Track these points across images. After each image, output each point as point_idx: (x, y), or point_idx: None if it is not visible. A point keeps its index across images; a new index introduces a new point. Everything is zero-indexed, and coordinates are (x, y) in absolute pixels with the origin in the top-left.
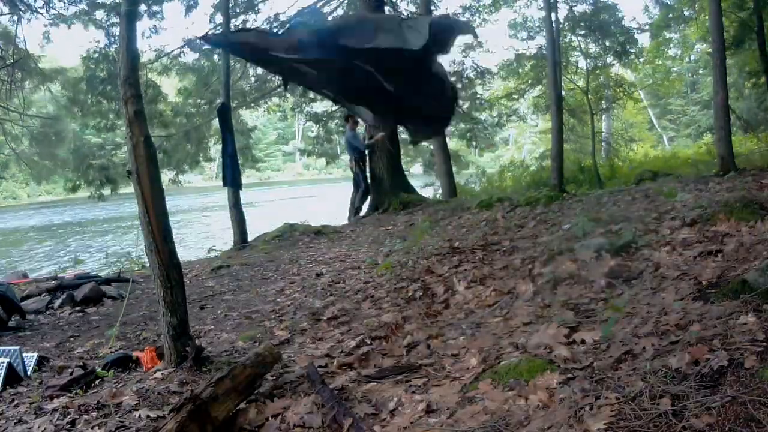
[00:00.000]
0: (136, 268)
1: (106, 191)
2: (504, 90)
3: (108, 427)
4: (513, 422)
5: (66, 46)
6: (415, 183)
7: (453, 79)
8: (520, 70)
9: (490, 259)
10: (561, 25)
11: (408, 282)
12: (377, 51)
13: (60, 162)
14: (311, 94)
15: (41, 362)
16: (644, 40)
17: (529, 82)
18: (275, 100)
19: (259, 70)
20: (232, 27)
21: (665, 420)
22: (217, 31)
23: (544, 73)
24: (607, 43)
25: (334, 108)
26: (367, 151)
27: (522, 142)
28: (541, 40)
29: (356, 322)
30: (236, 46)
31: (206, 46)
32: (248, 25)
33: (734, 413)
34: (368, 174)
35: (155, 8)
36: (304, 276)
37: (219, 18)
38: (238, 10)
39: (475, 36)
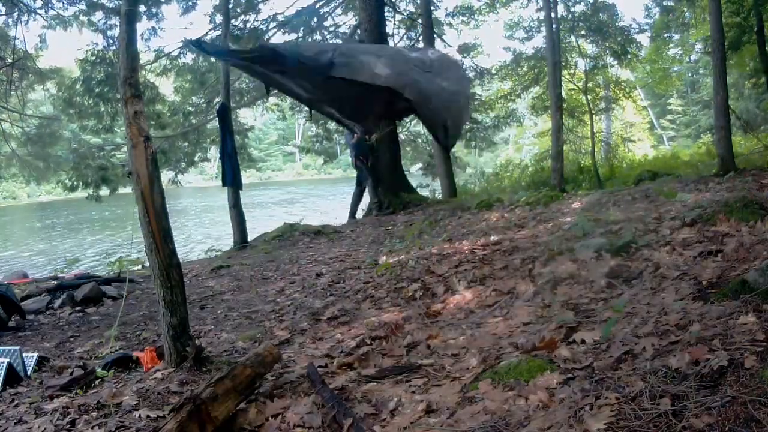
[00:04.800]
0: (136, 268)
1: (104, 192)
2: (499, 92)
3: (108, 427)
4: (513, 422)
5: (61, 47)
6: (415, 183)
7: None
8: (519, 71)
9: (490, 259)
10: (560, 25)
11: (408, 282)
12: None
13: (53, 163)
14: None
15: (41, 362)
16: (644, 39)
17: (526, 84)
18: (273, 99)
19: None
20: (232, 28)
21: (665, 420)
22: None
23: (542, 74)
24: (606, 44)
25: None
26: (368, 148)
27: (522, 142)
28: (537, 41)
29: (356, 322)
30: (224, 55)
31: (197, 50)
32: (248, 26)
33: (734, 413)
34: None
35: (154, 9)
36: (304, 276)
37: (219, 18)
38: (238, 10)
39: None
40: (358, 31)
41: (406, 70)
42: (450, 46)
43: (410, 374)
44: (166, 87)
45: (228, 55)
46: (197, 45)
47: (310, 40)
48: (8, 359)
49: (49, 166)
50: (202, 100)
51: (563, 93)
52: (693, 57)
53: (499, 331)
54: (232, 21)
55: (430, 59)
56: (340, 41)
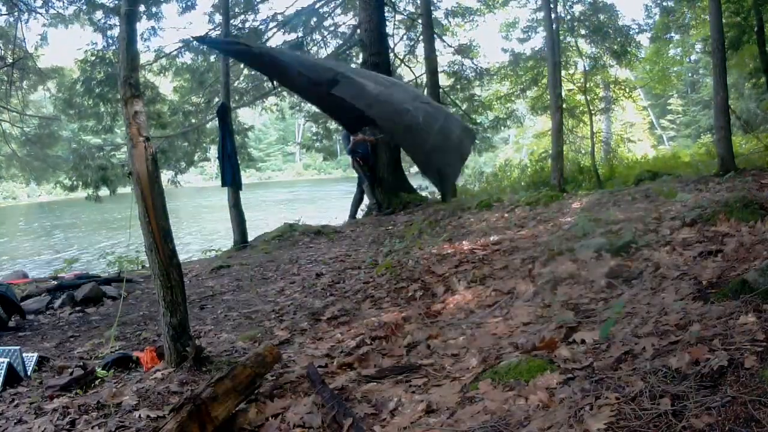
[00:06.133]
0: (136, 268)
1: (104, 192)
2: (497, 93)
3: (108, 427)
4: (513, 422)
5: (62, 46)
6: (415, 183)
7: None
8: (518, 71)
9: (490, 259)
10: (559, 26)
11: (408, 282)
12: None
13: (52, 163)
14: None
15: (41, 362)
16: (644, 39)
17: (524, 85)
18: (272, 99)
19: (256, 71)
20: (231, 27)
21: (665, 420)
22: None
23: (541, 75)
24: (606, 44)
25: None
26: (369, 149)
27: (522, 142)
28: (536, 41)
29: (356, 322)
30: (232, 52)
31: (202, 46)
32: (247, 25)
33: (734, 413)
34: (368, 170)
35: (154, 9)
36: (304, 276)
37: (218, 18)
38: (237, 10)
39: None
40: (358, 30)
41: (403, 110)
42: (450, 46)
43: (410, 374)
44: (166, 86)
45: (228, 49)
46: (201, 40)
47: (309, 39)
48: (8, 359)
49: (48, 166)
50: (202, 100)
51: (563, 93)
52: (693, 57)
53: (499, 331)
54: (232, 21)
55: (435, 104)
56: (340, 41)
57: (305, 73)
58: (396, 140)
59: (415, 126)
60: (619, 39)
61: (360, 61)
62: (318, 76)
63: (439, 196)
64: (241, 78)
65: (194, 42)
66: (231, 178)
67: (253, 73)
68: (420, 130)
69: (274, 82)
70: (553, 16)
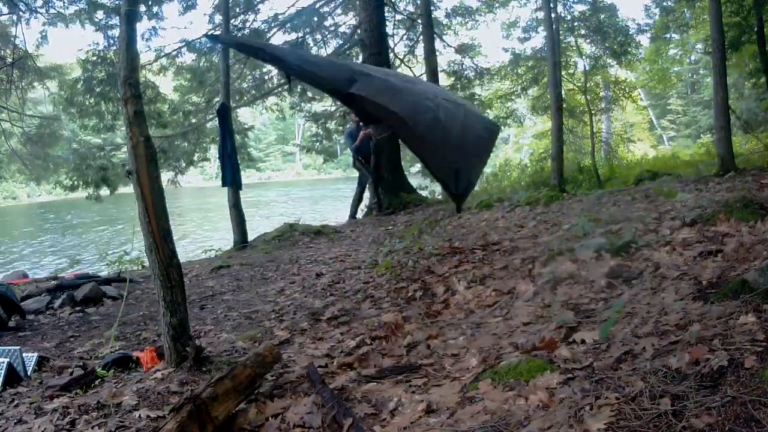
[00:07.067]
0: (136, 268)
1: (104, 192)
2: (497, 92)
3: (108, 427)
4: (513, 422)
5: (62, 44)
6: (415, 183)
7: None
8: (519, 71)
9: (490, 259)
10: (560, 25)
11: (408, 282)
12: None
13: (53, 163)
14: (309, 93)
15: (41, 362)
16: (644, 39)
17: (524, 85)
18: (273, 99)
19: (257, 71)
20: (231, 27)
21: (665, 420)
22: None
23: (541, 75)
24: (606, 44)
25: (333, 108)
26: (372, 147)
27: (522, 143)
28: (536, 41)
29: (356, 322)
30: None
31: (212, 44)
32: (247, 26)
33: (734, 413)
34: (371, 168)
35: (155, 9)
36: (304, 276)
37: (218, 18)
38: (237, 10)
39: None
40: (358, 30)
41: (424, 106)
42: (450, 46)
43: (410, 374)
44: (166, 86)
45: (244, 49)
46: (213, 39)
47: (310, 39)
48: (8, 359)
49: (49, 165)
50: (202, 100)
51: (563, 93)
52: (693, 57)
53: (499, 331)
54: (232, 21)
55: (455, 101)
56: (340, 41)
57: (319, 73)
58: (418, 133)
59: (435, 122)
60: (619, 39)
61: (360, 61)
62: (334, 76)
63: (440, 197)
64: (242, 78)
65: (202, 40)
66: (231, 178)
67: (254, 72)
68: (440, 126)
69: (291, 78)
70: (553, 15)
